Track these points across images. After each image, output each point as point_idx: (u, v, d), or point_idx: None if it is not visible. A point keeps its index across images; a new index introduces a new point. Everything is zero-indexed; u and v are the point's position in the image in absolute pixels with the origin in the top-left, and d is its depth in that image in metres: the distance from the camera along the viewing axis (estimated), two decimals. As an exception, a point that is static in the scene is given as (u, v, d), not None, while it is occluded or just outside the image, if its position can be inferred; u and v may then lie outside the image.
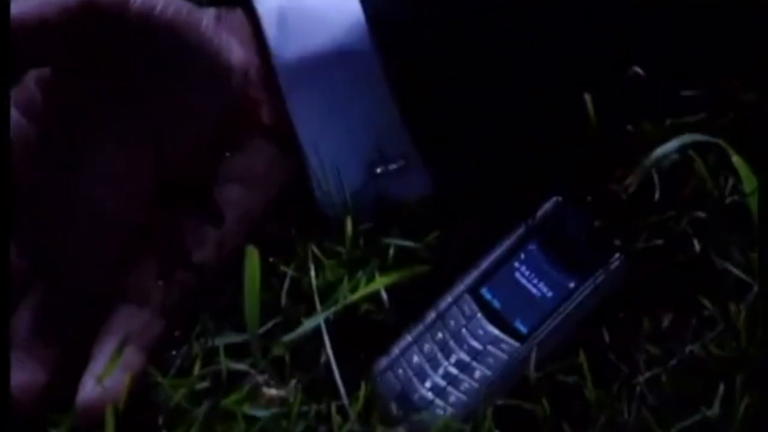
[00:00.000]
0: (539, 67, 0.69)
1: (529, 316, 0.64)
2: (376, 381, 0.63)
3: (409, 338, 0.65)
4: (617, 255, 0.65)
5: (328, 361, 0.61)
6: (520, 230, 0.67)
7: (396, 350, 0.65)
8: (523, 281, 0.65)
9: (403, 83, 0.69)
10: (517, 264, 0.66)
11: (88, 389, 0.59)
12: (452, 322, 0.65)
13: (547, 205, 0.67)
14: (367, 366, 0.65)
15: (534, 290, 0.65)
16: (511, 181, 0.69)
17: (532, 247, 0.66)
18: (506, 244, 0.67)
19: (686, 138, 0.64)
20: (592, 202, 0.66)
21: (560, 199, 0.67)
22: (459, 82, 0.69)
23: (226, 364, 0.64)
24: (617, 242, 0.65)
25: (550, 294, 0.65)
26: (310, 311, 0.63)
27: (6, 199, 0.62)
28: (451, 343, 0.64)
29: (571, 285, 0.64)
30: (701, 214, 0.66)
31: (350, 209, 0.68)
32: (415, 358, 0.64)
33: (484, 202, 0.69)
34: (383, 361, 0.64)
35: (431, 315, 0.65)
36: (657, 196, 0.66)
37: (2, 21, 0.62)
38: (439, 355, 0.64)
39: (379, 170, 0.69)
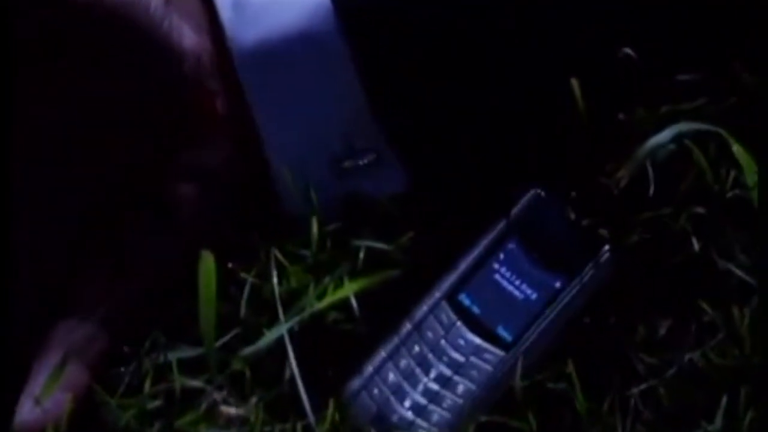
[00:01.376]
0: (520, 49, 0.68)
1: (512, 321, 0.64)
2: (348, 404, 0.63)
3: (383, 354, 0.64)
4: (605, 248, 0.65)
5: (292, 376, 0.61)
6: (498, 228, 0.66)
7: (369, 368, 0.64)
8: (504, 283, 0.65)
9: (373, 69, 0.69)
10: (496, 265, 0.65)
11: (26, 410, 0.58)
12: (429, 333, 0.64)
13: (526, 199, 0.67)
14: (336, 381, 0.65)
15: (516, 293, 0.65)
16: (491, 175, 0.69)
17: (511, 245, 0.66)
18: (484, 243, 0.66)
19: (683, 126, 0.64)
20: (578, 197, 0.67)
21: (540, 191, 0.67)
22: (434, 68, 0.69)
23: (180, 380, 0.63)
24: (604, 233, 0.66)
25: (534, 296, 0.64)
26: (273, 321, 0.63)
27: (6, 200, 0.62)
28: (430, 356, 0.64)
29: (557, 284, 0.64)
30: (700, 210, 0.65)
31: (316, 208, 0.67)
32: (391, 376, 0.64)
33: (462, 200, 0.69)
34: (356, 382, 0.64)
35: (406, 326, 0.65)
36: (651, 190, 0.66)
37: (2, 21, 0.63)
38: (418, 371, 0.64)
39: (347, 165, 0.69)
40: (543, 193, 0.67)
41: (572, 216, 0.66)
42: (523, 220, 0.66)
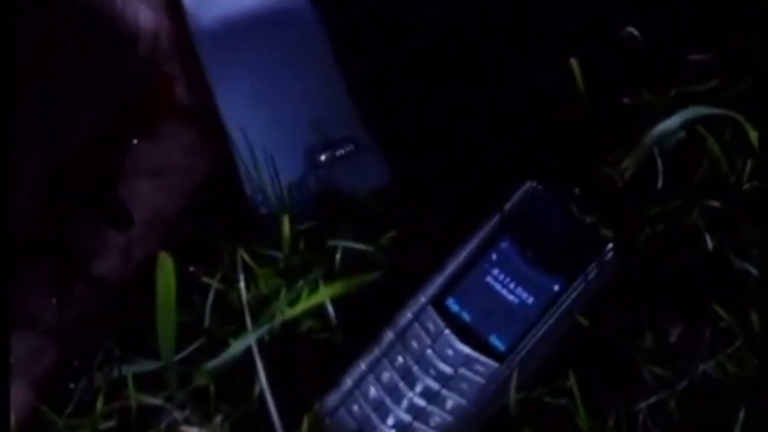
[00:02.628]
0: (515, 28, 0.69)
1: (506, 329, 0.63)
2: (325, 422, 0.63)
3: (362, 367, 0.64)
4: (609, 246, 0.64)
5: (262, 391, 0.62)
6: (490, 225, 0.66)
7: (348, 382, 0.64)
8: (497, 287, 0.64)
9: (351, 50, 0.69)
10: (488, 266, 0.65)
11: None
12: (414, 343, 0.64)
13: (520, 193, 0.66)
14: (311, 397, 0.64)
15: (510, 297, 0.64)
16: (483, 167, 0.69)
17: (504, 244, 0.65)
18: (473, 243, 0.66)
19: (694, 111, 0.64)
20: (579, 190, 0.66)
21: (535, 183, 0.66)
22: (420, 49, 0.69)
23: (136, 398, 0.63)
24: (607, 230, 0.65)
25: (530, 300, 0.64)
26: (240, 331, 0.63)
27: (6, 202, 0.63)
28: (415, 368, 0.64)
29: (556, 288, 0.64)
30: (715, 204, 0.65)
31: (288, 205, 0.67)
32: (373, 391, 0.64)
33: (450, 195, 0.69)
34: (333, 398, 0.64)
35: (388, 335, 0.64)
36: (660, 182, 0.66)
37: (2, 21, 0.63)
38: (402, 385, 0.64)
39: (322, 158, 0.69)
40: (538, 186, 0.66)
41: (572, 211, 0.66)
42: (516, 217, 0.66)
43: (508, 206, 0.65)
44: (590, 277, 0.63)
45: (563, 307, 0.63)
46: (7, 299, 0.61)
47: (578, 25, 0.68)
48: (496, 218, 0.65)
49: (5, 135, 0.63)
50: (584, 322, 0.63)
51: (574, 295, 0.63)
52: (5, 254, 0.62)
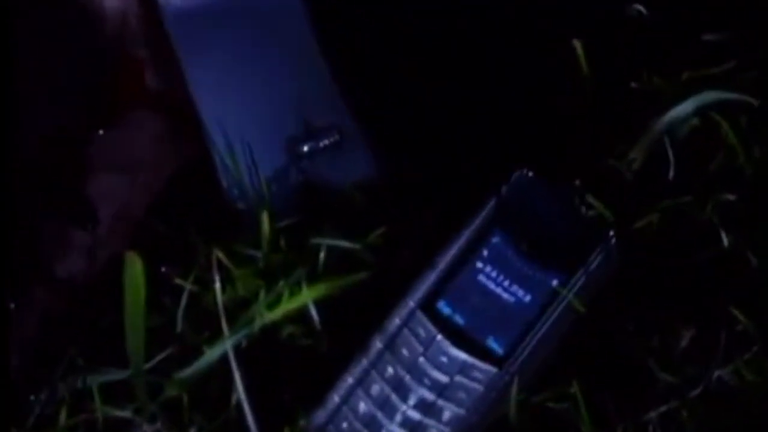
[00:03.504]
0: (512, 7, 0.69)
1: (503, 331, 0.63)
2: None
3: (350, 380, 0.64)
4: (611, 236, 0.64)
5: (239, 402, 0.62)
6: (479, 219, 0.66)
7: (335, 398, 0.64)
8: (491, 285, 0.64)
9: (335, 32, 0.69)
10: (479, 264, 0.65)
11: None
12: (405, 351, 0.64)
13: (512, 182, 0.66)
14: (292, 409, 0.64)
15: (506, 296, 0.64)
16: (477, 158, 0.69)
17: (496, 239, 0.65)
18: (463, 239, 0.66)
19: (708, 96, 0.64)
20: (582, 182, 0.66)
21: (527, 171, 0.66)
22: (408, 30, 0.69)
23: (103, 410, 0.63)
24: (610, 220, 0.65)
25: (527, 298, 0.64)
26: (215, 337, 0.64)
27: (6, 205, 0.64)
28: (407, 379, 0.64)
29: (554, 283, 0.64)
30: (730, 197, 0.65)
31: (267, 200, 0.67)
32: (362, 406, 0.64)
33: (442, 189, 0.69)
34: (320, 415, 0.64)
35: (376, 344, 0.64)
36: (671, 173, 0.66)
37: (2, 21, 0.64)
38: (394, 398, 0.64)
39: (305, 148, 0.69)
40: (531, 174, 0.66)
41: (569, 200, 0.66)
42: (508, 208, 0.65)
43: (498, 197, 0.65)
44: (592, 269, 0.63)
45: (564, 303, 0.63)
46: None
47: (580, 2, 0.68)
48: (486, 211, 0.65)
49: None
50: (581, 309, 0.63)
51: (575, 290, 0.63)
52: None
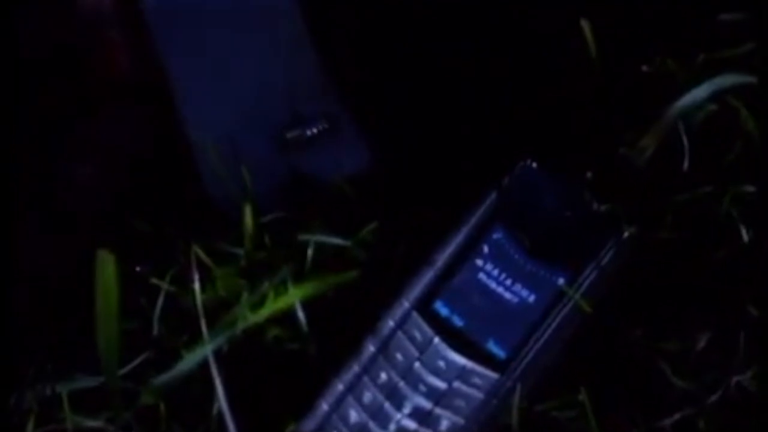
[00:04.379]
0: None
1: (505, 333, 0.63)
2: None
3: (340, 386, 0.64)
4: (624, 234, 0.64)
5: (220, 411, 0.62)
6: (479, 213, 0.66)
7: (324, 406, 0.64)
8: (492, 284, 0.64)
9: (325, 11, 0.69)
10: (479, 261, 0.65)
11: None
12: (399, 356, 0.64)
13: (514, 174, 0.66)
14: (278, 418, 0.64)
15: (508, 295, 0.64)
16: (476, 149, 0.69)
17: (497, 234, 0.65)
18: (461, 235, 0.66)
19: (725, 79, 0.64)
20: (591, 174, 0.66)
21: (531, 162, 0.66)
22: (405, 10, 0.69)
23: (73, 420, 0.63)
24: (621, 216, 0.65)
25: (531, 298, 0.64)
26: (194, 340, 0.64)
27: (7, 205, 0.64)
28: (402, 385, 0.63)
29: (560, 282, 0.63)
30: (750, 189, 0.65)
31: (250, 193, 0.66)
32: (354, 414, 0.64)
33: (439, 181, 0.68)
34: (308, 423, 0.64)
35: (368, 348, 0.64)
36: (686, 163, 0.66)
37: (2, 21, 0.65)
38: (387, 406, 0.63)
39: (291, 137, 0.69)
40: (535, 165, 0.66)
41: (575, 192, 0.65)
42: (510, 201, 0.66)
43: (499, 190, 0.65)
44: (601, 266, 0.63)
45: (570, 304, 0.62)
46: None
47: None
48: (487, 204, 0.65)
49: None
50: (589, 310, 0.63)
51: (582, 289, 0.63)
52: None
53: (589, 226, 0.64)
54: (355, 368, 0.64)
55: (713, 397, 0.62)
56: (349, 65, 0.69)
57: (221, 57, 0.69)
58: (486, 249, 0.64)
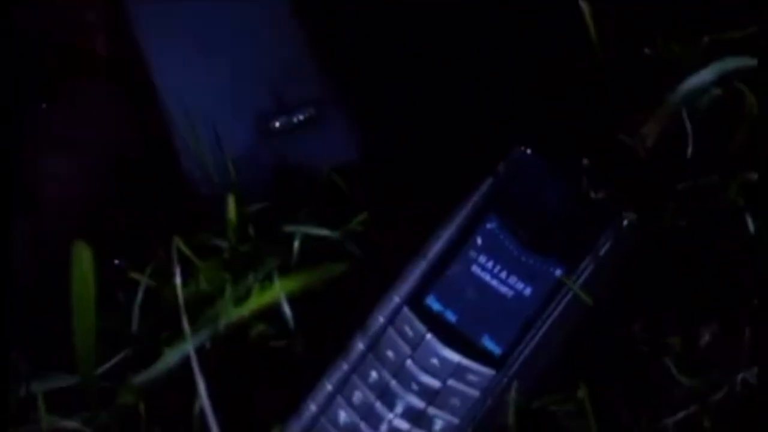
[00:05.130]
0: None
1: (501, 328, 0.63)
2: None
3: (329, 387, 0.64)
4: (623, 221, 0.64)
5: (203, 411, 0.61)
6: (471, 202, 0.66)
7: (312, 407, 0.64)
8: (486, 277, 0.64)
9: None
10: (472, 253, 0.65)
11: None
12: (390, 353, 0.64)
13: (508, 161, 0.66)
14: (263, 418, 0.64)
15: (503, 289, 0.64)
16: (471, 136, 0.69)
17: (491, 225, 0.65)
18: (453, 225, 0.65)
19: (730, 63, 0.63)
20: (590, 162, 0.66)
21: (526, 148, 0.66)
22: None
23: (49, 420, 0.63)
24: (621, 204, 0.65)
25: (527, 291, 0.64)
26: (176, 337, 0.63)
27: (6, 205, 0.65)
28: (394, 384, 0.63)
29: (557, 273, 0.63)
30: (756, 177, 0.65)
31: (234, 184, 0.67)
32: (343, 415, 0.64)
33: (431, 170, 0.69)
34: (295, 425, 0.64)
35: (357, 346, 0.64)
36: (689, 150, 0.66)
37: (2, 22, 0.65)
38: (378, 406, 0.64)
39: (277, 125, 0.69)
40: (530, 152, 0.66)
41: (572, 179, 0.65)
42: (504, 190, 0.66)
43: (493, 178, 0.65)
44: (600, 257, 0.63)
45: (568, 296, 0.62)
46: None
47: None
48: (479, 193, 0.65)
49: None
50: (588, 301, 0.62)
51: (581, 280, 0.63)
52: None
53: (587, 216, 0.64)
54: (344, 367, 0.64)
55: (718, 395, 0.62)
56: (337, 54, 0.69)
57: (205, 43, 0.69)
58: (479, 240, 0.64)
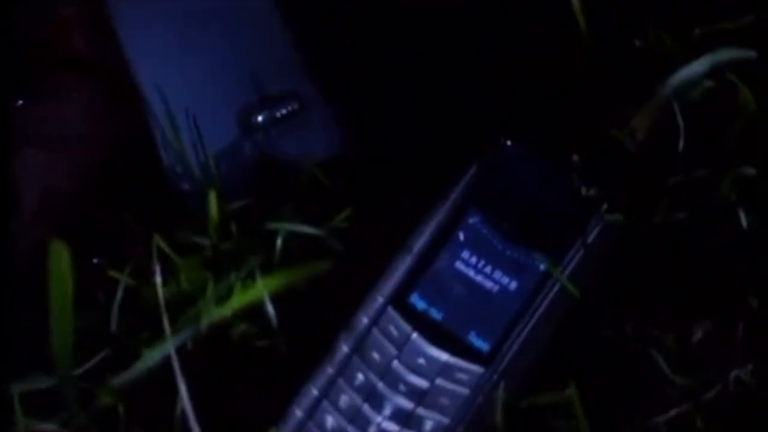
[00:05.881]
0: None
1: (488, 324, 0.63)
2: None
3: (314, 391, 0.64)
4: (609, 212, 0.64)
5: (184, 413, 0.61)
6: (453, 197, 0.66)
7: (297, 412, 0.64)
8: (470, 273, 0.64)
9: None
10: (455, 248, 0.65)
11: None
12: (376, 354, 0.64)
13: (490, 153, 0.66)
14: (246, 420, 0.64)
15: (488, 284, 0.64)
16: (457, 130, 0.69)
17: (473, 219, 0.65)
18: (435, 221, 0.65)
19: (723, 54, 0.63)
20: (579, 157, 0.66)
21: (507, 140, 0.66)
22: None
23: (25, 422, 0.63)
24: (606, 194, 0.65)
25: (513, 285, 0.64)
26: (156, 337, 0.63)
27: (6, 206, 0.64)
28: (381, 386, 0.64)
29: (543, 266, 0.64)
30: (750, 171, 0.65)
31: (216, 179, 0.67)
32: (330, 420, 0.64)
33: (416, 164, 0.69)
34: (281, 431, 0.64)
35: (342, 348, 0.64)
36: (681, 144, 0.65)
37: (2, 21, 0.65)
38: (366, 408, 0.64)
39: (260, 119, 0.69)
40: (511, 143, 0.66)
41: (561, 175, 0.65)
42: (486, 183, 0.65)
43: (474, 171, 0.65)
44: (587, 247, 0.63)
45: (555, 289, 0.63)
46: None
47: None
48: (461, 187, 0.65)
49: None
50: (576, 293, 0.63)
51: (567, 272, 0.63)
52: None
53: (573, 208, 0.64)
54: (329, 371, 0.64)
55: (711, 393, 0.62)
56: (321, 47, 0.69)
57: (185, 35, 0.69)
58: (462, 235, 0.64)
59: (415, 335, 0.63)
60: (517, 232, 0.64)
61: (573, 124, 0.67)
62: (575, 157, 0.66)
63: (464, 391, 0.62)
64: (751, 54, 0.64)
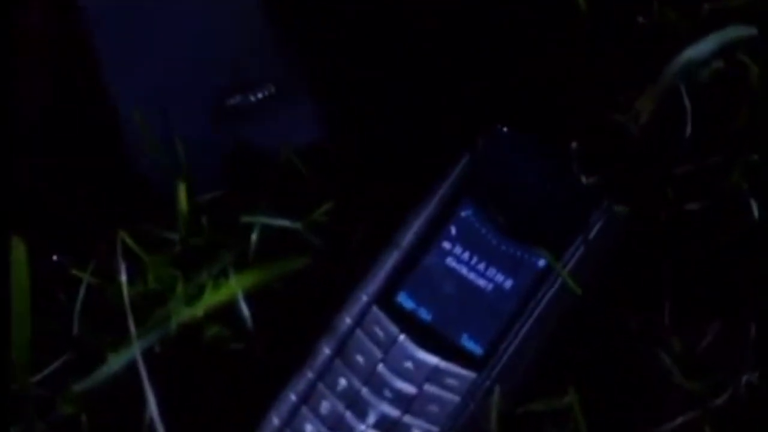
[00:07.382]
0: None
1: (481, 326, 0.64)
2: None
3: (293, 397, 0.64)
4: (612, 204, 0.64)
5: (152, 421, 0.62)
6: (444, 188, 0.66)
7: (275, 420, 0.64)
8: (462, 270, 0.64)
9: None
10: (446, 244, 0.65)
11: None
12: (359, 358, 0.64)
13: (485, 141, 0.66)
14: (217, 428, 0.64)
15: (481, 282, 0.64)
16: (446, 116, 0.69)
17: (465, 212, 0.65)
18: (424, 214, 0.66)
19: (732, 32, 0.63)
20: (578, 144, 0.66)
21: (503, 127, 0.66)
22: None
23: None
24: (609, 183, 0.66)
25: (508, 283, 0.64)
26: (121, 340, 0.63)
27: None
28: (365, 392, 0.64)
29: (540, 263, 0.64)
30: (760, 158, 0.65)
31: (185, 170, 0.66)
32: (309, 428, 0.64)
33: (403, 154, 0.69)
34: None
35: (323, 351, 0.64)
36: (688, 130, 0.66)
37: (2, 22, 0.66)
38: (349, 416, 0.64)
39: (234, 103, 0.69)
40: (507, 130, 0.66)
41: (561, 164, 0.66)
42: (479, 173, 0.66)
43: (467, 160, 0.65)
44: (587, 243, 0.63)
45: (554, 288, 0.63)
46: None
47: None
48: (452, 177, 0.65)
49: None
50: (577, 291, 0.63)
51: (568, 268, 0.63)
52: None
53: (572, 199, 0.64)
54: (309, 375, 0.64)
55: (721, 399, 0.63)
56: (299, 28, 0.69)
57: (152, 13, 0.69)
58: (453, 230, 0.65)
59: (402, 337, 0.64)
60: (512, 227, 0.64)
61: (573, 108, 0.68)
62: (574, 144, 0.66)
63: (455, 397, 0.63)
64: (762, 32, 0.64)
